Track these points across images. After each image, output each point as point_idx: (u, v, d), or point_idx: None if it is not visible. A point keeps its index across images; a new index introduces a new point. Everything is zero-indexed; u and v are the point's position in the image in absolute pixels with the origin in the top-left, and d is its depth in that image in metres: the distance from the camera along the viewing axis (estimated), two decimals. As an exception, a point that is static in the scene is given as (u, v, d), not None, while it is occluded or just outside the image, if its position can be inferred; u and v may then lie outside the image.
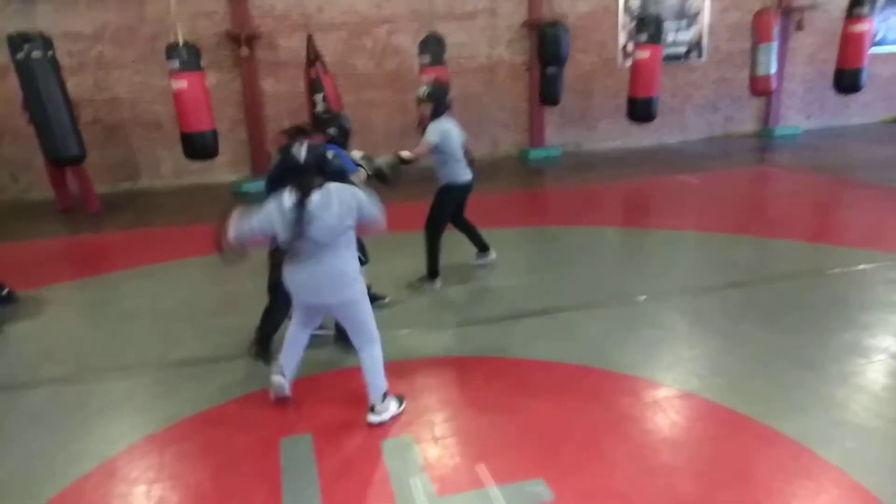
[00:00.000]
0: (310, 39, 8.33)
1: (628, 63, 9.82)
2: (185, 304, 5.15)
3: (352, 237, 3.20)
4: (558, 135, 10.89)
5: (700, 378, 3.69)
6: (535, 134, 10.74)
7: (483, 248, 5.61)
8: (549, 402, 3.47)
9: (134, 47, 9.01)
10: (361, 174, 4.36)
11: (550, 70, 9.51)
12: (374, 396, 3.33)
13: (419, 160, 4.91)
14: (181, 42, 7.17)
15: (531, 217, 7.72)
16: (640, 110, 9.19)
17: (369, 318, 3.31)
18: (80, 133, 7.23)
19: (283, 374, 3.51)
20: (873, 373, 3.68)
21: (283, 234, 3.06)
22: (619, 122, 10.07)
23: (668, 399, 3.49)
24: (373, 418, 3.32)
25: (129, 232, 7.51)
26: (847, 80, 9.66)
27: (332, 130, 4.45)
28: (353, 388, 3.68)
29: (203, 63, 7.64)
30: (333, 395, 3.66)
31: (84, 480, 3.02)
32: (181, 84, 7.33)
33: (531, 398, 3.51)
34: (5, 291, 5.23)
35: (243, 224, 3.08)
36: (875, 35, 11.59)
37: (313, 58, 8.27)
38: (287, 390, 3.53)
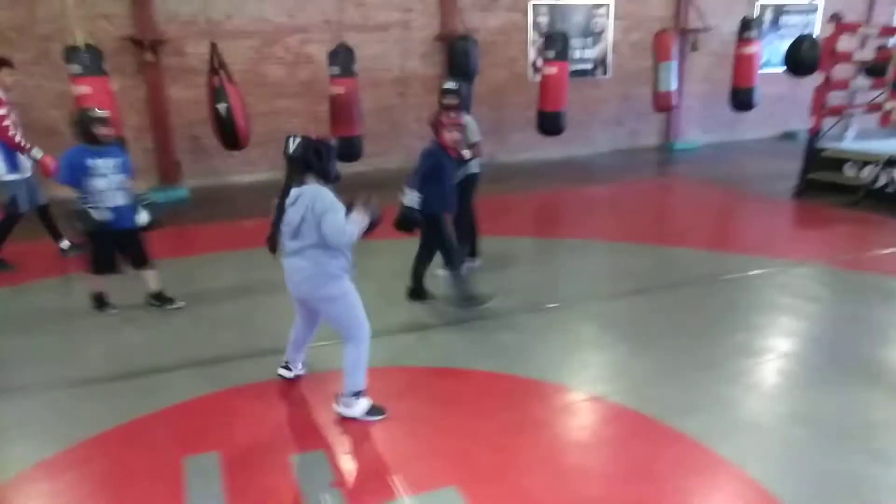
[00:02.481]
0: (213, 48, 8.01)
1: (538, 78, 10.11)
2: (87, 321, 4.87)
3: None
4: (472, 147, 11.04)
5: (606, 382, 3.83)
6: (449, 145, 10.84)
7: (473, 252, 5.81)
8: (461, 410, 3.50)
9: (26, 49, 8.48)
10: (56, 175, 4.62)
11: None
12: (345, 390, 3.39)
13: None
14: (83, 45, 6.81)
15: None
16: (550, 124, 9.48)
17: (351, 317, 3.35)
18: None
19: (288, 368, 3.82)
20: (764, 372, 3.94)
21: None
22: (531, 135, 10.33)
23: (576, 403, 3.60)
24: (339, 409, 3.40)
25: (30, 243, 7.03)
26: (741, 98, 10.36)
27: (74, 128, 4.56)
28: (263, 406, 3.60)
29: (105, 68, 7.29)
30: (243, 412, 3.55)
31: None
32: (84, 89, 6.95)
33: (444, 407, 3.53)
34: None
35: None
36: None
37: (217, 66, 7.95)
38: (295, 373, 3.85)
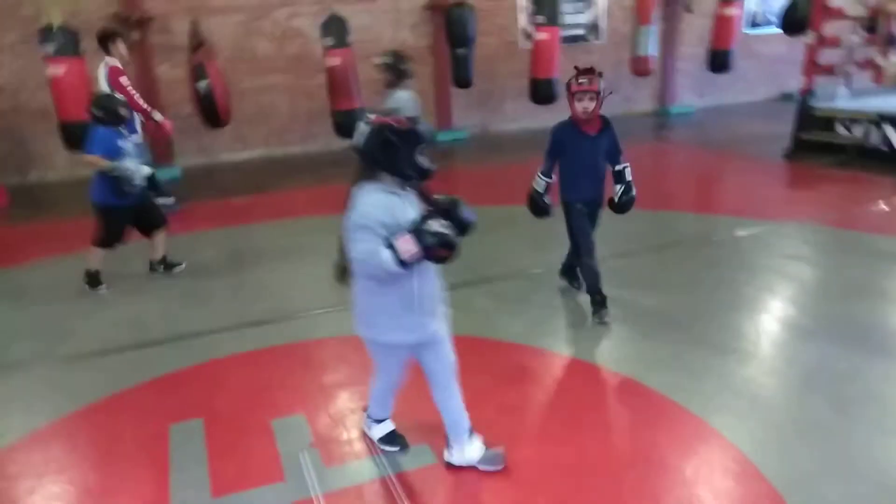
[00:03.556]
0: (193, 25, 7.89)
1: (529, 45, 10.03)
2: (78, 299, 4.96)
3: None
4: (465, 117, 11.02)
5: (580, 343, 3.90)
6: (441, 117, 10.82)
7: None
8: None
9: (12, 29, 8.47)
10: (102, 162, 4.63)
11: (460, 51, 9.60)
12: (369, 406, 2.97)
13: None
14: (56, 25, 6.78)
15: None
16: (542, 91, 9.43)
17: (379, 373, 2.79)
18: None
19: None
20: (744, 328, 3.99)
21: None
22: (524, 104, 10.28)
23: (553, 364, 3.67)
24: (363, 424, 3.05)
25: (26, 226, 7.12)
26: (718, 61, 10.32)
27: (97, 112, 4.62)
28: (247, 373, 3.69)
29: (90, 47, 7.26)
30: (228, 381, 3.64)
31: (-43, 482, 2.90)
32: (58, 70, 6.94)
33: (420, 370, 3.60)
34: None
35: None
36: (755, 17, 12.35)
37: (196, 44, 7.82)
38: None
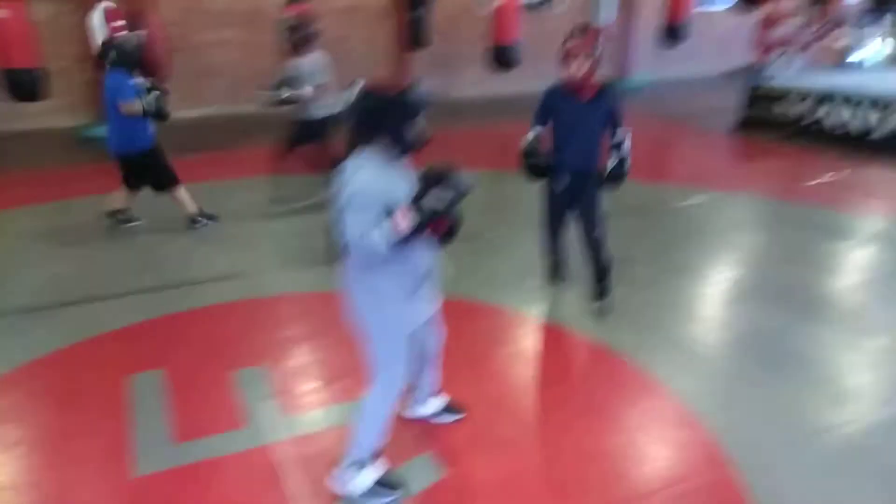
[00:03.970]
0: None
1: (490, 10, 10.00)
2: (28, 251, 4.86)
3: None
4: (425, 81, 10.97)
5: (539, 303, 4.05)
6: (400, 80, 10.76)
7: None
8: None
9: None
10: (136, 105, 4.53)
11: (416, 13, 9.53)
12: (346, 452, 2.43)
13: None
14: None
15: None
16: (501, 56, 9.45)
17: (381, 364, 2.38)
18: None
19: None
20: (687, 291, 4.21)
21: None
22: (484, 69, 10.28)
23: (509, 322, 3.81)
24: (332, 481, 2.47)
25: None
26: (670, 34, 10.58)
27: (112, 55, 4.57)
28: (207, 328, 3.72)
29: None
30: (190, 334, 3.67)
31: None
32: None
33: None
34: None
35: None
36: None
37: None
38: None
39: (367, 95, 2.18)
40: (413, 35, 9.76)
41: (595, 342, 3.54)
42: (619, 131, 3.57)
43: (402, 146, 2.20)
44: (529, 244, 4.83)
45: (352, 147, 2.20)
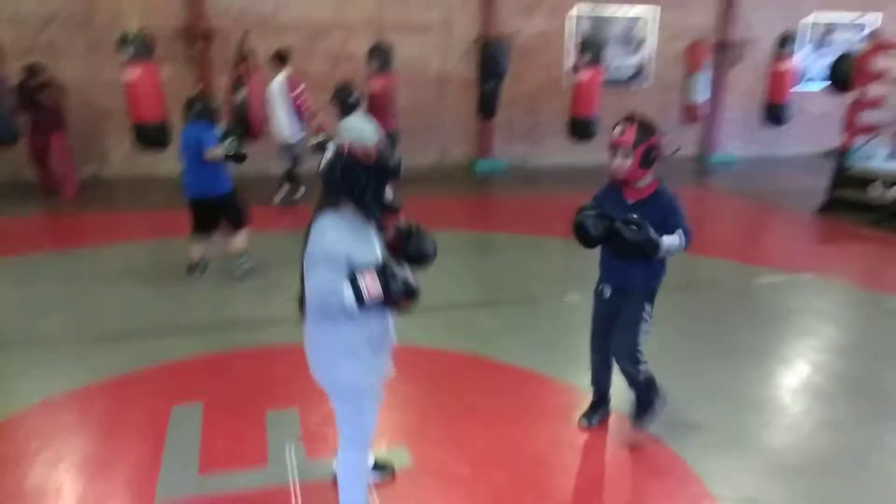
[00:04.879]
0: (244, 36, 8.27)
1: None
2: (113, 283, 5.31)
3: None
4: (506, 149, 11.25)
5: (579, 372, 4.00)
6: (483, 146, 11.09)
7: None
8: (419, 384, 3.77)
9: (84, 36, 9.10)
10: (218, 150, 4.97)
11: (487, 86, 9.91)
12: None
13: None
14: (134, 32, 7.30)
15: (471, 222, 8.03)
16: (580, 129, 9.59)
17: (349, 420, 2.42)
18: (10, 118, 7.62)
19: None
20: (748, 374, 4.03)
21: None
22: (564, 140, 10.44)
23: (537, 385, 3.79)
24: None
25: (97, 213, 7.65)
26: (773, 114, 10.36)
27: (196, 107, 5.09)
28: (252, 367, 3.92)
29: (156, 56, 7.77)
30: (236, 373, 3.87)
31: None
32: (133, 74, 7.45)
33: (412, 381, 3.77)
34: None
35: None
36: (804, 74, 12.28)
37: (242, 56, 8.19)
38: None
39: (338, 156, 2.17)
40: (483, 106, 10.11)
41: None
42: (667, 238, 2.88)
43: (370, 208, 2.20)
44: (568, 314, 4.81)
45: (323, 202, 2.22)
